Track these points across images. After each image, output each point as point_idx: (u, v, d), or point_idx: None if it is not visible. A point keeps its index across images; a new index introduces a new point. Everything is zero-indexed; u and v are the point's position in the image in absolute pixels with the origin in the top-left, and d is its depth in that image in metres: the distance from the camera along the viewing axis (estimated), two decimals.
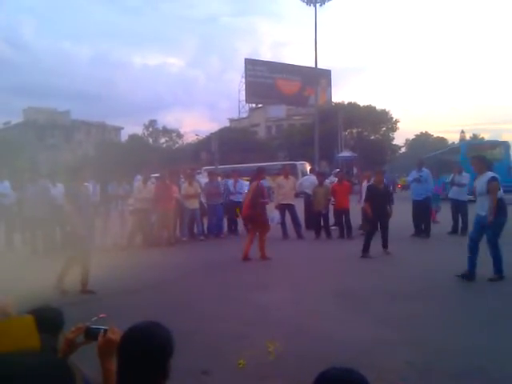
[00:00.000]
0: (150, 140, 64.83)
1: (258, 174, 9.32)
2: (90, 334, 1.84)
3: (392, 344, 4.10)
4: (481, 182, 6.45)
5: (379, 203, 8.95)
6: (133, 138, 61.33)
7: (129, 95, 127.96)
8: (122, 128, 73.57)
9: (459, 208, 11.33)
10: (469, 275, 6.36)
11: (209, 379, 3.49)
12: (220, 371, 3.61)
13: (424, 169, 11.56)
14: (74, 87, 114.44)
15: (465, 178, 11.41)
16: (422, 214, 11.23)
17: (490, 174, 6.40)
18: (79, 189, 6.55)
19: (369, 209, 9.08)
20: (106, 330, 1.81)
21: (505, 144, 22.76)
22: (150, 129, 65.60)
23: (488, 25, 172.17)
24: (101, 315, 4.51)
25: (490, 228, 6.32)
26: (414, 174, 11.68)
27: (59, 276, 6.32)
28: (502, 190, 6.51)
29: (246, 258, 8.54)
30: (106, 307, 5.30)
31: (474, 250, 6.44)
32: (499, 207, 6.26)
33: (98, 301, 5.86)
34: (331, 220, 11.89)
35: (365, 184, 11.45)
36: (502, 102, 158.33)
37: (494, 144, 22.99)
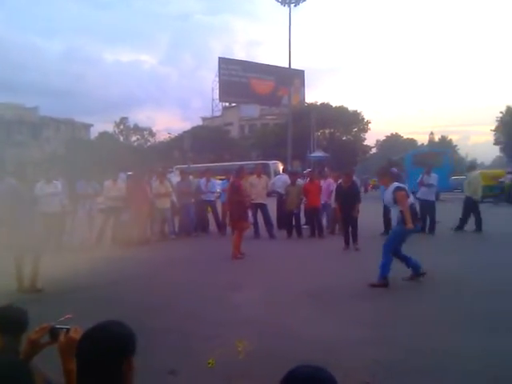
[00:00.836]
0: (121, 138, 63.79)
1: (238, 173, 9.40)
2: (55, 335, 1.79)
3: (360, 343, 4.14)
4: (387, 194, 6.55)
5: (347, 202, 9.32)
6: (103, 135, 60.20)
7: (100, 92, 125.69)
8: (92, 125, 72.06)
9: (427, 208, 11.61)
10: (414, 276, 6.49)
11: (176, 379, 3.45)
12: (188, 371, 3.57)
13: (393, 170, 11.75)
14: (43, 83, 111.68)
15: (433, 178, 11.81)
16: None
17: (395, 184, 6.50)
18: (21, 186, 6.40)
19: (338, 207, 9.40)
20: (68, 330, 1.77)
21: (447, 152, 25.61)
22: (121, 126, 64.57)
23: (457, 30, 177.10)
24: (67, 315, 4.39)
25: (392, 234, 6.47)
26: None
27: (16, 277, 6.16)
28: (411, 197, 6.59)
29: (236, 257, 8.57)
30: (72, 306, 5.17)
31: (403, 257, 6.51)
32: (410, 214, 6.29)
33: (62, 300, 5.71)
34: (303, 219, 11.99)
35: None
36: (469, 104, 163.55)
37: (437, 153, 25.54)
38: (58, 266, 7.25)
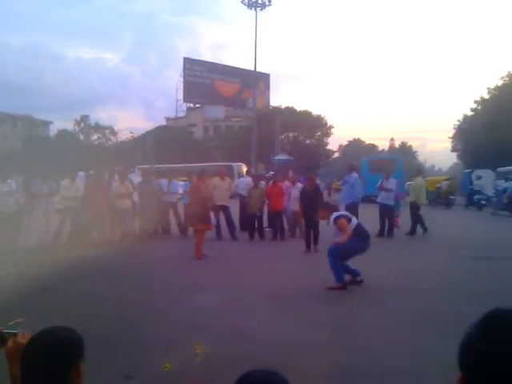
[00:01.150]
0: (81, 136, 62.06)
1: (200, 174, 9.50)
2: (3, 339, 1.72)
3: (319, 346, 4.18)
4: (331, 225, 6.71)
5: (309, 205, 9.43)
6: (62, 133, 58.39)
7: (60, 89, 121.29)
8: (51, 123, 69.73)
9: (386, 212, 11.93)
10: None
11: (132, 383, 3.38)
12: (144, 375, 3.50)
13: (353, 174, 11.97)
14: (0, 78, 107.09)
15: (392, 183, 12.14)
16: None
17: (334, 215, 6.68)
18: None
19: (301, 211, 9.51)
20: (15, 334, 1.70)
21: (398, 159, 28.28)
22: (82, 124, 62.75)
23: (418, 41, 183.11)
24: (17, 319, 4.22)
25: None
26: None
27: None
28: (353, 221, 6.73)
29: (198, 258, 8.57)
30: (23, 309, 4.98)
31: (348, 268, 6.61)
32: (356, 234, 6.46)
33: (13, 303, 5.48)
34: (265, 222, 12.04)
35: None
36: (428, 112, 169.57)
37: (390, 159, 28.82)
38: (12, 267, 6.98)
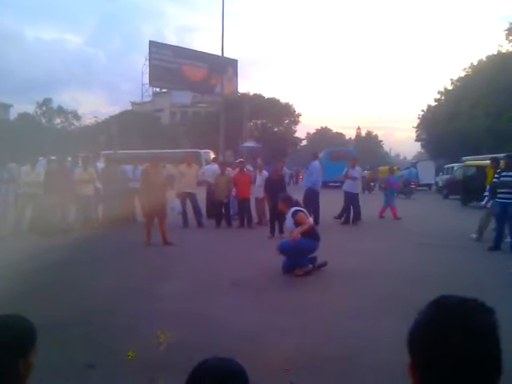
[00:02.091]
0: (43, 120, 59.91)
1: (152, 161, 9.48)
2: None
3: (282, 331, 4.25)
4: (289, 219, 6.79)
5: (275, 193, 9.51)
6: (23, 116, 56.21)
7: (19, 70, 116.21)
8: (11, 106, 66.95)
9: (351, 200, 12.14)
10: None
11: (94, 372, 3.34)
12: (107, 364, 3.47)
13: (314, 162, 12.11)
14: None
15: (357, 171, 12.36)
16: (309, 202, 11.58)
17: (292, 209, 6.81)
18: None
19: (267, 198, 9.64)
20: None
21: (352, 151, 32.35)
22: (44, 108, 60.54)
23: (387, 29, 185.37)
24: None
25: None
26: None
27: None
28: (310, 220, 6.97)
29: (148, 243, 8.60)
30: None
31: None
32: (311, 234, 6.61)
33: None
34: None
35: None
36: (394, 103, 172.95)
37: (345, 151, 32.84)
38: None
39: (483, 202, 9.79)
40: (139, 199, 9.91)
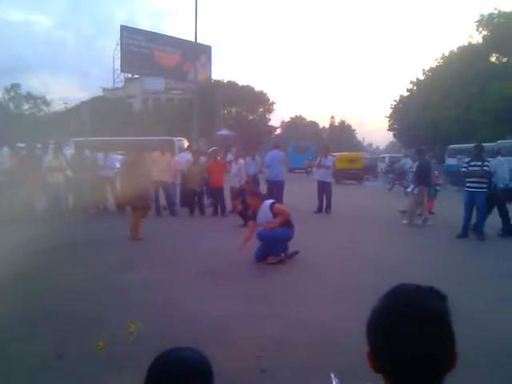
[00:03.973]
0: (12, 106, 57.91)
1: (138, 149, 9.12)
2: None
3: (255, 318, 4.28)
4: (264, 213, 6.77)
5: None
6: None
7: None
8: None
9: (324, 189, 12.25)
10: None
11: (62, 363, 3.29)
12: (76, 354, 3.42)
13: (273, 151, 12.33)
14: None
15: (329, 160, 12.46)
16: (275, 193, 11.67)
17: (267, 202, 6.84)
18: None
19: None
20: None
21: (311, 145, 38.28)
22: (12, 93, 58.48)
23: (360, 20, 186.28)
24: None
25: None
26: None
27: None
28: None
29: (137, 238, 8.16)
30: None
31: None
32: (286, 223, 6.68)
33: None
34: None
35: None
36: (367, 93, 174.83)
37: (306, 145, 39.69)
38: None
39: (409, 189, 10.58)
40: (121, 189, 9.60)
